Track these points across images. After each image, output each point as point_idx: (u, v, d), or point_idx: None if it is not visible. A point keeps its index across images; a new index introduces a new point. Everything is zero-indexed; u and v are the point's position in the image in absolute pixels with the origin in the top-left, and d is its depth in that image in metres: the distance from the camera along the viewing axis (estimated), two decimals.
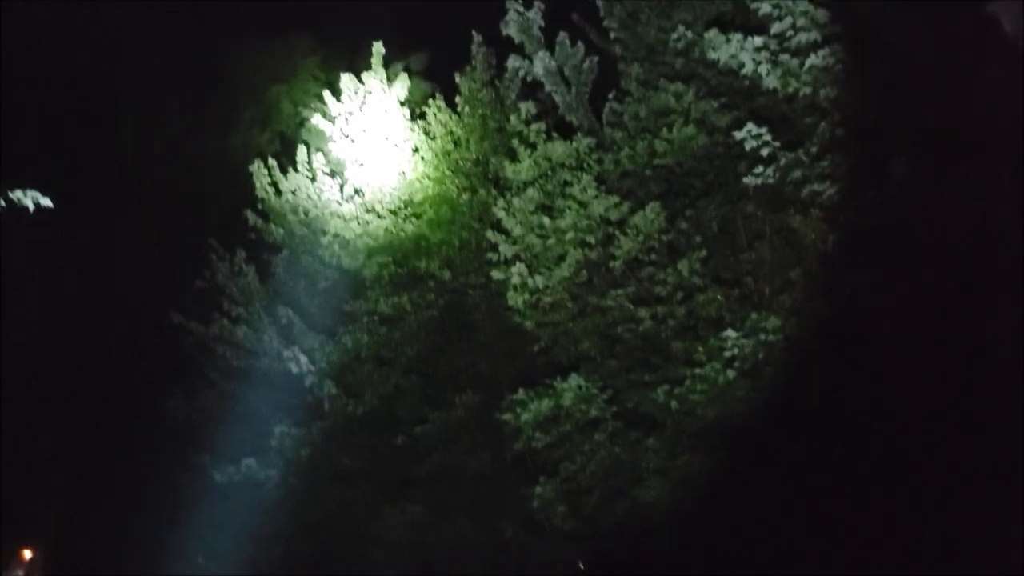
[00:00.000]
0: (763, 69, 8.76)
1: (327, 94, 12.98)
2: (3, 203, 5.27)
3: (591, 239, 9.97)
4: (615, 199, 9.96)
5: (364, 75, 12.88)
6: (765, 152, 8.90)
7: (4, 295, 15.99)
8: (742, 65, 8.81)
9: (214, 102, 20.42)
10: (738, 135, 8.98)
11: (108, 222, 17.46)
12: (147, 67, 20.36)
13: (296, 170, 13.16)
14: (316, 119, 13.07)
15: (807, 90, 8.82)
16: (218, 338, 13.24)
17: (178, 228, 17.01)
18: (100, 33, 19.52)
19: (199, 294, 13.70)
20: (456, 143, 12.43)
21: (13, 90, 16.44)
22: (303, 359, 12.14)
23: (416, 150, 12.51)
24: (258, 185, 13.21)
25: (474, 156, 12.35)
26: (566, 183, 10.26)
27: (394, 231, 12.18)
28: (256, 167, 13.24)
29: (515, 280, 10.04)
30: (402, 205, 12.41)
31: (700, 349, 9.37)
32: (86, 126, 18.69)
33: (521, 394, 10.18)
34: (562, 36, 11.63)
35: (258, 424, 12.61)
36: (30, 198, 5.31)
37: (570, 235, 9.96)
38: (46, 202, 5.39)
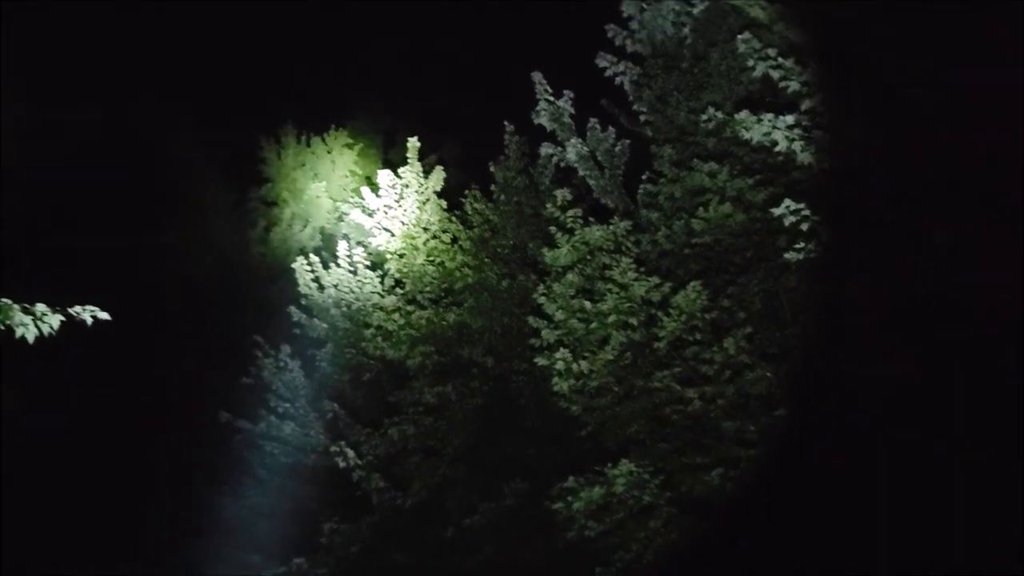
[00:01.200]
0: (797, 146, 8.81)
1: (365, 189, 13.31)
2: (63, 319, 5.42)
3: (633, 321, 9.93)
4: (655, 280, 9.96)
5: (400, 169, 13.20)
6: (805, 227, 8.87)
7: (54, 398, 16.26)
8: (775, 143, 8.87)
9: (256, 200, 21.02)
10: (776, 211, 8.98)
11: (154, 321, 17.78)
12: (190, 167, 21.07)
13: (337, 264, 13.41)
14: (355, 214, 13.36)
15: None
16: (266, 435, 13.31)
17: (224, 326, 17.29)
18: (141, 133, 20.29)
19: (246, 391, 13.85)
20: (493, 231, 12.59)
21: (58, 193, 17.08)
22: (350, 453, 12.12)
23: (454, 239, 12.70)
24: (301, 281, 13.46)
25: (512, 243, 12.50)
26: (605, 266, 10.29)
27: (436, 320, 12.27)
28: (298, 263, 13.52)
29: (559, 365, 9.99)
30: (443, 294, 12.53)
31: (752, 428, 9.20)
32: (130, 226, 19.24)
33: (571, 482, 10.00)
34: (593, 122, 11.86)
35: (307, 521, 12.54)
36: (88, 313, 5.46)
37: (612, 318, 9.93)
38: (104, 316, 5.53)
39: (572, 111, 11.79)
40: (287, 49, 22.73)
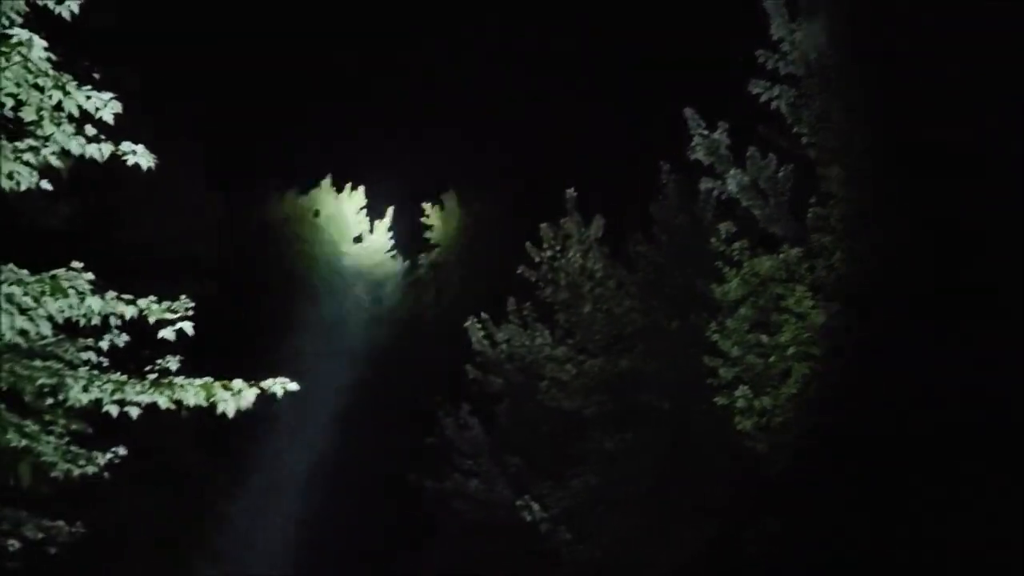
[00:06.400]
0: None
1: (528, 244, 13.51)
2: (258, 392, 5.77)
3: (815, 351, 9.46)
4: (836, 305, 9.46)
5: (562, 220, 13.32)
6: None
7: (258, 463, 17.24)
8: None
9: (427, 266, 21.82)
10: None
11: (345, 390, 18.64)
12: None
13: (508, 320, 13.63)
14: (521, 268, 13.57)
15: None
16: (453, 492, 13.56)
17: (404, 389, 17.91)
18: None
19: (430, 451, 14.20)
20: (659, 272, 12.43)
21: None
22: (535, 507, 12.12)
23: (619, 285, 12.62)
24: (474, 339, 13.76)
25: (679, 282, 12.27)
26: (779, 296, 9.90)
27: (608, 367, 12.18)
28: (470, 323, 13.84)
29: (740, 403, 9.65)
30: (613, 341, 12.45)
31: None
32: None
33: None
34: (752, 150, 11.52)
35: None
36: (279, 385, 5.79)
37: (791, 350, 9.51)
38: (293, 387, 5.84)
39: (728, 141, 11.52)
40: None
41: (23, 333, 5.60)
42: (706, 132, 11.41)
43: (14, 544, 7.17)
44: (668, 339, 12.01)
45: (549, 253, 13.28)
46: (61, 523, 7.72)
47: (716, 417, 10.98)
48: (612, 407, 12.01)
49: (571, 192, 13.33)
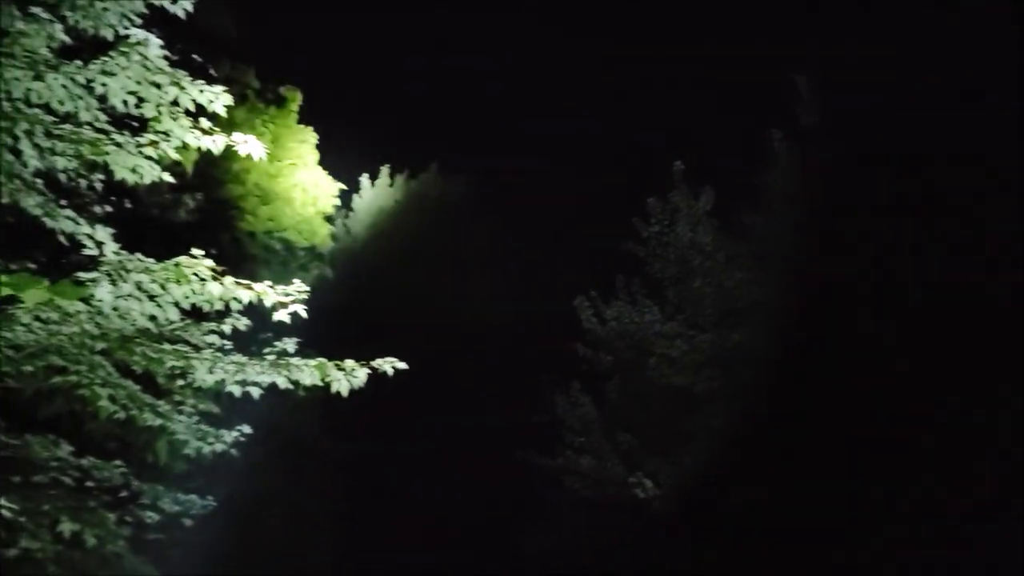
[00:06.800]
0: None
1: (635, 219, 13.36)
2: (369, 372, 5.94)
3: None
4: None
5: (669, 194, 13.11)
6: None
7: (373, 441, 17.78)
8: None
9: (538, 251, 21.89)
10: None
11: (452, 369, 18.94)
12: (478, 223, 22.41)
13: (617, 297, 13.54)
14: (629, 244, 13.44)
15: None
16: (565, 469, 13.62)
17: (513, 366, 18.05)
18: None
19: (541, 428, 14.28)
20: (771, 244, 12.08)
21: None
22: (648, 483, 12.07)
23: (730, 258, 12.34)
24: (583, 317, 13.75)
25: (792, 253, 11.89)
26: None
27: (720, 342, 11.95)
28: (579, 301, 13.82)
29: None
30: (724, 315, 12.19)
31: None
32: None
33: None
34: None
35: (613, 553, 12.61)
36: (389, 365, 5.94)
37: None
38: (402, 366, 5.99)
39: None
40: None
41: (152, 318, 5.93)
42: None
43: (152, 516, 7.65)
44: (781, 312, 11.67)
45: (657, 228, 13.10)
46: (194, 496, 8.18)
47: None
48: (724, 383, 11.78)
49: (678, 165, 13.10)
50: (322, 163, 15.84)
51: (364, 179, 21.72)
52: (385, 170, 21.95)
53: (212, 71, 7.46)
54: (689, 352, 12.06)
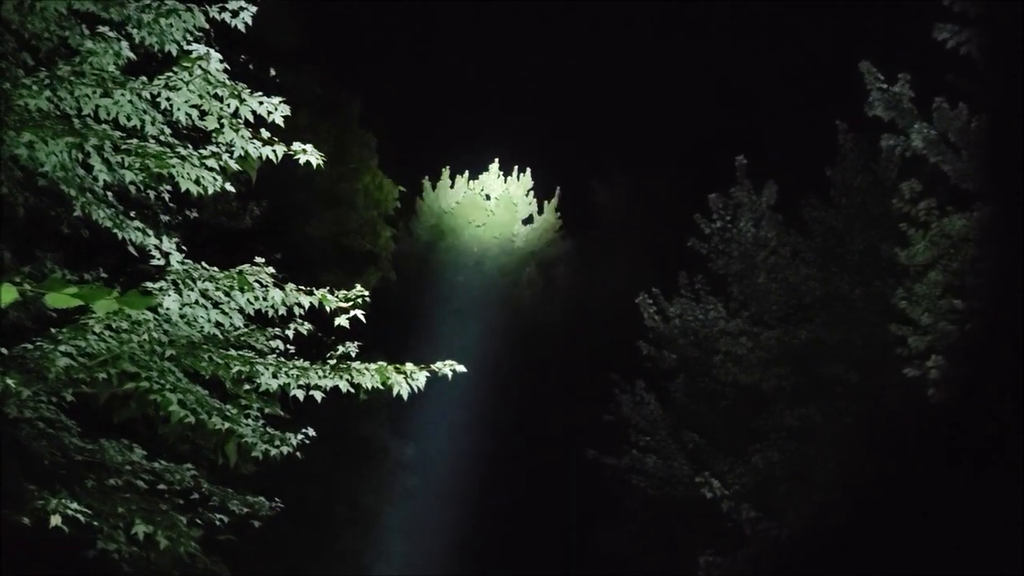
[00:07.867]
0: None
1: (697, 215, 13.18)
2: (428, 375, 5.98)
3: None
4: None
5: (731, 189, 12.90)
6: None
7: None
8: None
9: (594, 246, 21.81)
10: None
11: (518, 370, 18.98)
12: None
13: (680, 294, 13.38)
14: (691, 241, 13.27)
15: None
16: (631, 469, 13.52)
17: (578, 367, 18.01)
18: None
19: (608, 428, 14.22)
20: (838, 237, 11.79)
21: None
22: (715, 483, 11.87)
23: (795, 253, 12.08)
24: (645, 315, 13.61)
25: (861, 247, 11.59)
26: (976, 258, 9.14)
27: (787, 339, 11.71)
28: (641, 299, 13.70)
29: (934, 375, 9.00)
30: (790, 311, 11.94)
31: None
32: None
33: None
34: (939, 101, 10.65)
35: (683, 554, 12.48)
36: (448, 368, 5.98)
37: None
38: (461, 369, 6.02)
39: (912, 94, 10.70)
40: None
41: (218, 325, 6.09)
42: (885, 86, 10.67)
43: (223, 519, 7.82)
44: (850, 308, 11.38)
45: (719, 224, 12.89)
46: (262, 499, 8.35)
47: (908, 391, 10.33)
48: (792, 380, 11.54)
49: (740, 159, 12.87)
50: (382, 167, 16.05)
51: (425, 182, 21.93)
52: (446, 172, 22.13)
53: (277, 79, 7.60)
54: (755, 349, 11.84)
